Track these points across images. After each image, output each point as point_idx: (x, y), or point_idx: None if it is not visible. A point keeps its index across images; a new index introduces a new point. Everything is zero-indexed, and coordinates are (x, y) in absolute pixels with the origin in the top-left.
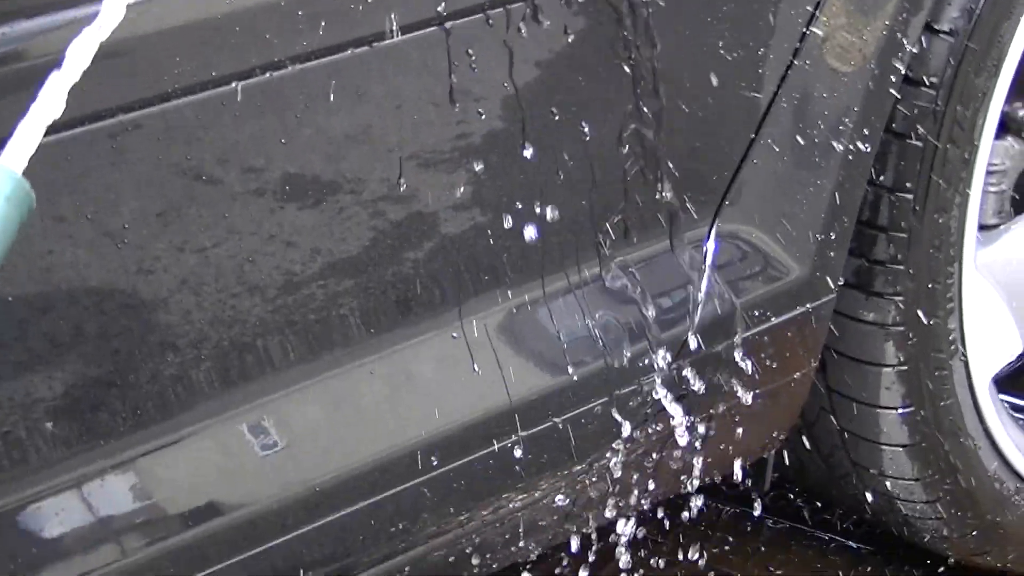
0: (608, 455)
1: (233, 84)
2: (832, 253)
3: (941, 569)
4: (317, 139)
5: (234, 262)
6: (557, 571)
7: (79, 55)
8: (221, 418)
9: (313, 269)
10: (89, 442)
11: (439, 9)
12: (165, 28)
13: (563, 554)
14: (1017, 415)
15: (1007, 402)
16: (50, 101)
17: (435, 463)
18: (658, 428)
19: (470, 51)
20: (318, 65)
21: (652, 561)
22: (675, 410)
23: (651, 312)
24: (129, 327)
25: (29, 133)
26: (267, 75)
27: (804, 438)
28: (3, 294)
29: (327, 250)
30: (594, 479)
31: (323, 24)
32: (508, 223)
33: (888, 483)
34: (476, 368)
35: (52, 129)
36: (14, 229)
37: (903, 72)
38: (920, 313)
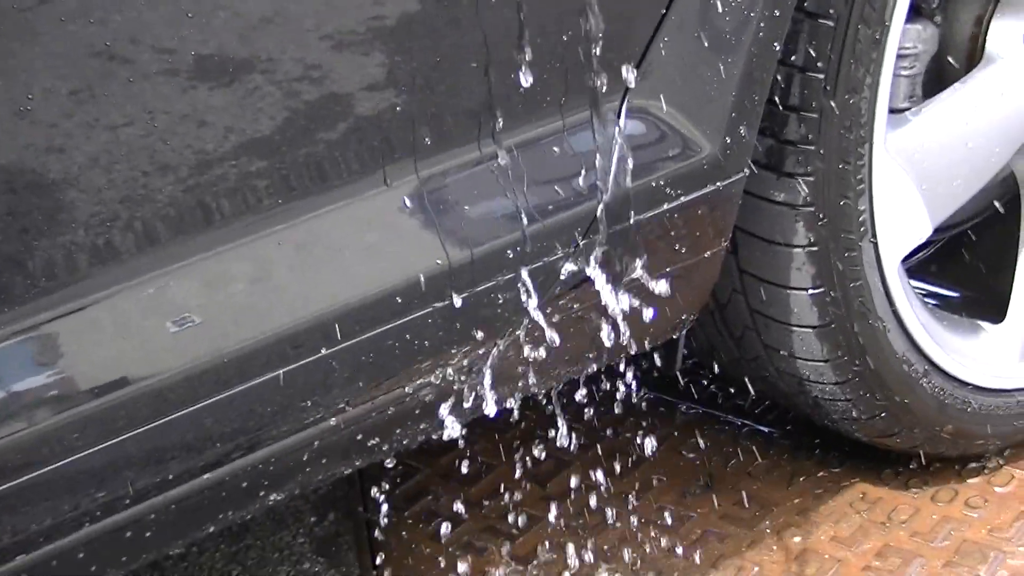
0: (516, 332)
1: None
2: (743, 132)
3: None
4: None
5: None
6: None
7: None
8: (130, 286)
9: (226, 146)
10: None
11: None
12: None
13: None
14: (927, 300)
15: (918, 289)
16: None
17: (343, 336)
18: (567, 305)
19: None
20: None
21: (564, 446)
22: (584, 287)
23: (560, 187)
24: (39, 204)
25: None
26: None
27: (716, 320)
28: None
29: (240, 129)
30: (503, 356)
31: None
32: (422, 95)
33: (798, 365)
34: (384, 241)
35: None
36: None
37: None
38: (830, 194)
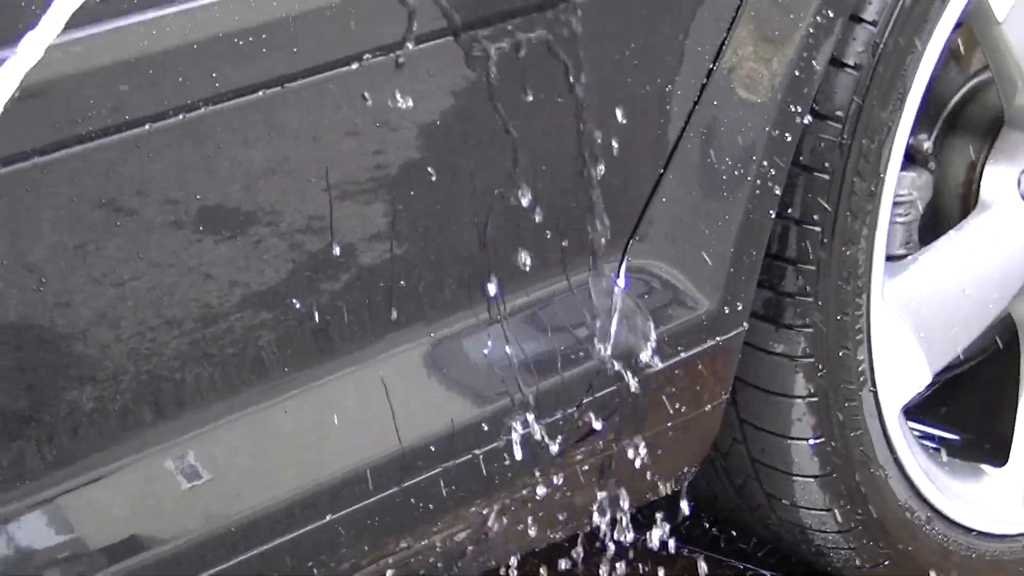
0: (520, 489)
1: (146, 127)
2: (742, 286)
3: None
4: (233, 172)
5: (153, 295)
6: None
7: None
8: (139, 453)
9: (231, 301)
10: (6, 480)
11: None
12: (78, 71)
13: None
14: (927, 443)
15: (916, 430)
16: None
17: (348, 500)
18: (571, 462)
19: (368, 94)
20: (231, 106)
21: None
22: (587, 443)
23: (562, 347)
24: (47, 361)
25: None
26: (180, 117)
27: (717, 469)
28: None
29: (244, 282)
30: (507, 513)
31: (233, 67)
32: (424, 259)
33: (800, 513)
34: (390, 404)
35: None
36: None
37: (809, 106)
38: (829, 345)
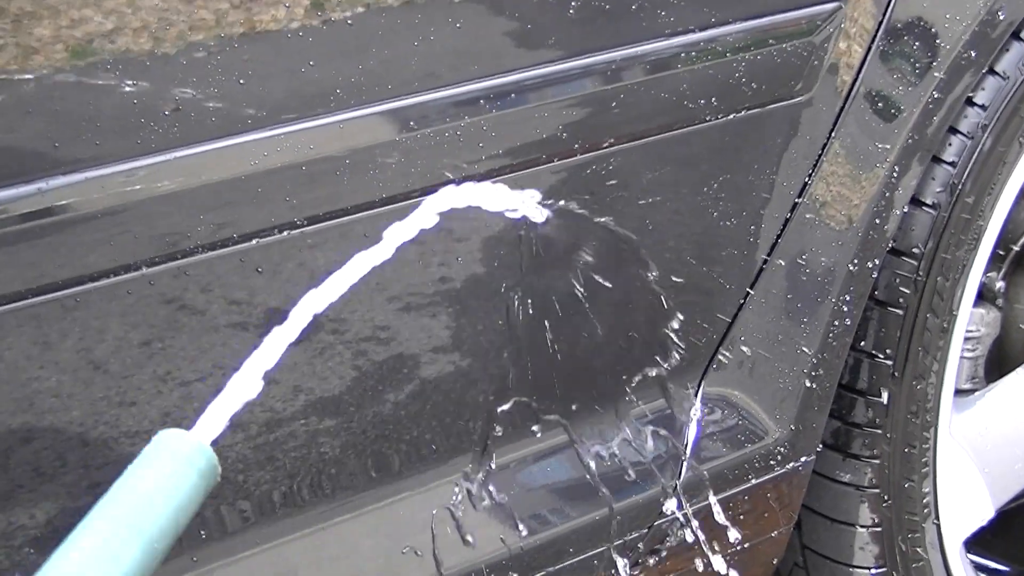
0: None
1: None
2: (813, 416)
3: None
4: (300, 275)
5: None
6: None
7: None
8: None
9: (295, 407)
10: None
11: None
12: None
13: None
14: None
15: (976, 563)
16: (245, 382)
17: None
18: None
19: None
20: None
21: None
22: (652, 566)
23: (634, 471)
24: (109, 460)
25: (222, 410)
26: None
27: None
28: None
29: (308, 388)
30: None
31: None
32: (501, 380)
33: None
34: (460, 524)
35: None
36: (201, 500)
37: (888, 243)
38: (895, 476)
